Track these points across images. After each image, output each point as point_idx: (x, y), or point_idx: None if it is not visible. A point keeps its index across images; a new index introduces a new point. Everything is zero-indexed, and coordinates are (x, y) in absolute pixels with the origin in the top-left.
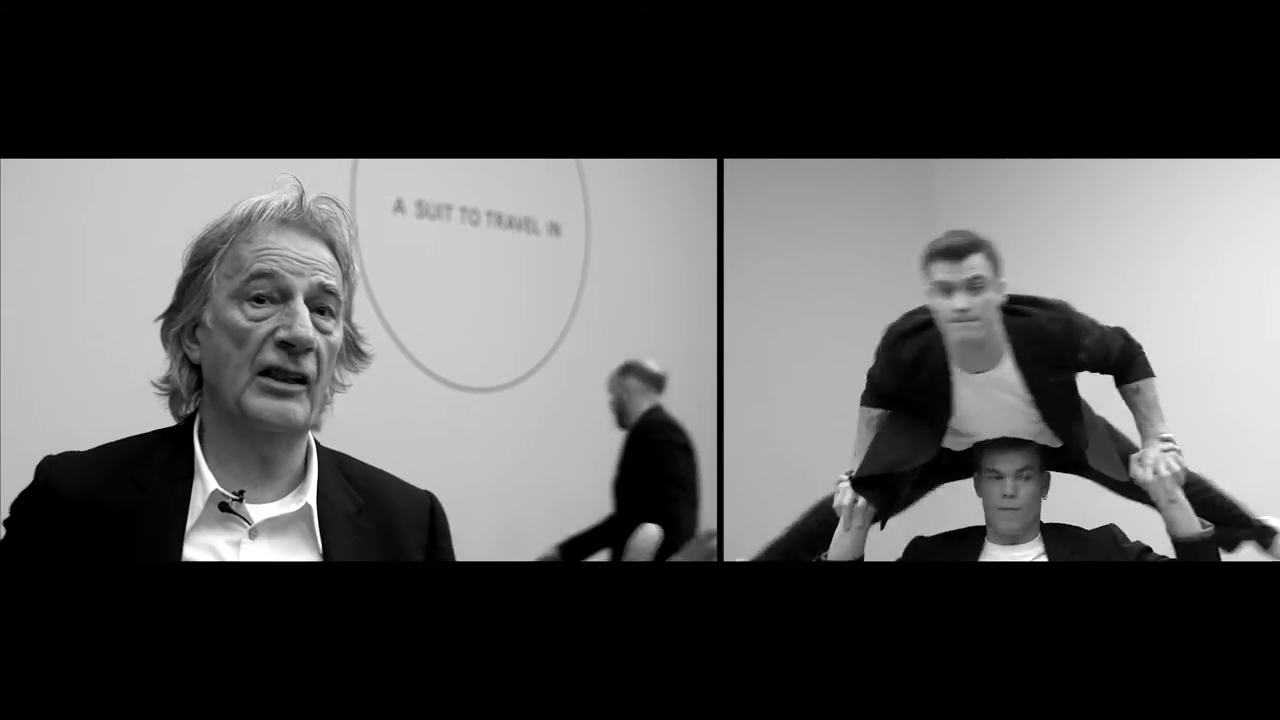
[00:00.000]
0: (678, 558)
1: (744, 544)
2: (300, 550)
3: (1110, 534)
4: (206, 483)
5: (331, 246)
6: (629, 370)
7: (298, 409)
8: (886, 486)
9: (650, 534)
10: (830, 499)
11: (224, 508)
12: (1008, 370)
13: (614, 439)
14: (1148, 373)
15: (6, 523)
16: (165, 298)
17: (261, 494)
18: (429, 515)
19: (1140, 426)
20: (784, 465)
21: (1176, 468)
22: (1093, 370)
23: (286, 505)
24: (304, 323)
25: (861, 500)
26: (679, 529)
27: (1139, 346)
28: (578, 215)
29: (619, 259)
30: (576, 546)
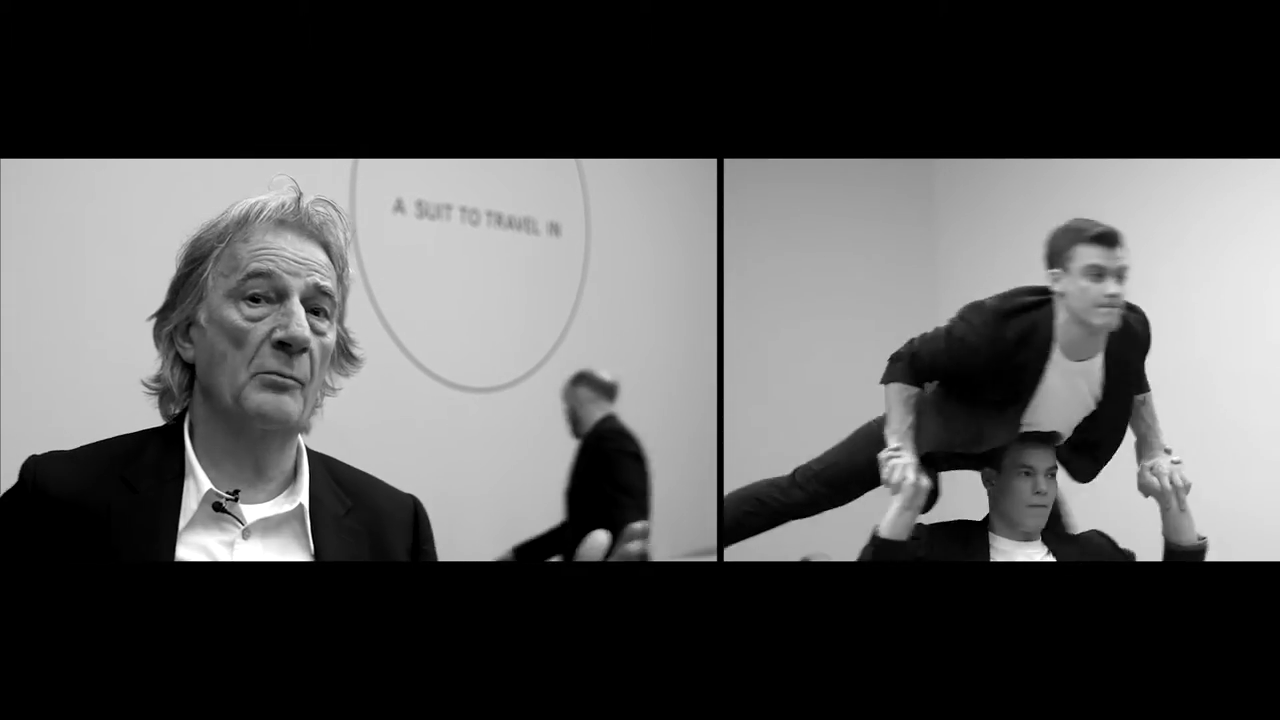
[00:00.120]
0: (613, 557)
1: (745, 545)
2: (292, 551)
3: (1102, 537)
4: (200, 482)
5: (327, 248)
6: (580, 380)
7: (293, 404)
8: (955, 467)
9: (599, 541)
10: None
11: (218, 507)
12: (1097, 363)
13: None
14: (1148, 385)
15: None
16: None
17: (253, 494)
18: (413, 518)
19: (1144, 437)
20: (784, 465)
21: (1188, 479)
22: None
23: (280, 505)
24: (300, 322)
25: (925, 480)
26: (636, 545)
27: None
28: (578, 215)
29: (619, 259)
30: (530, 551)
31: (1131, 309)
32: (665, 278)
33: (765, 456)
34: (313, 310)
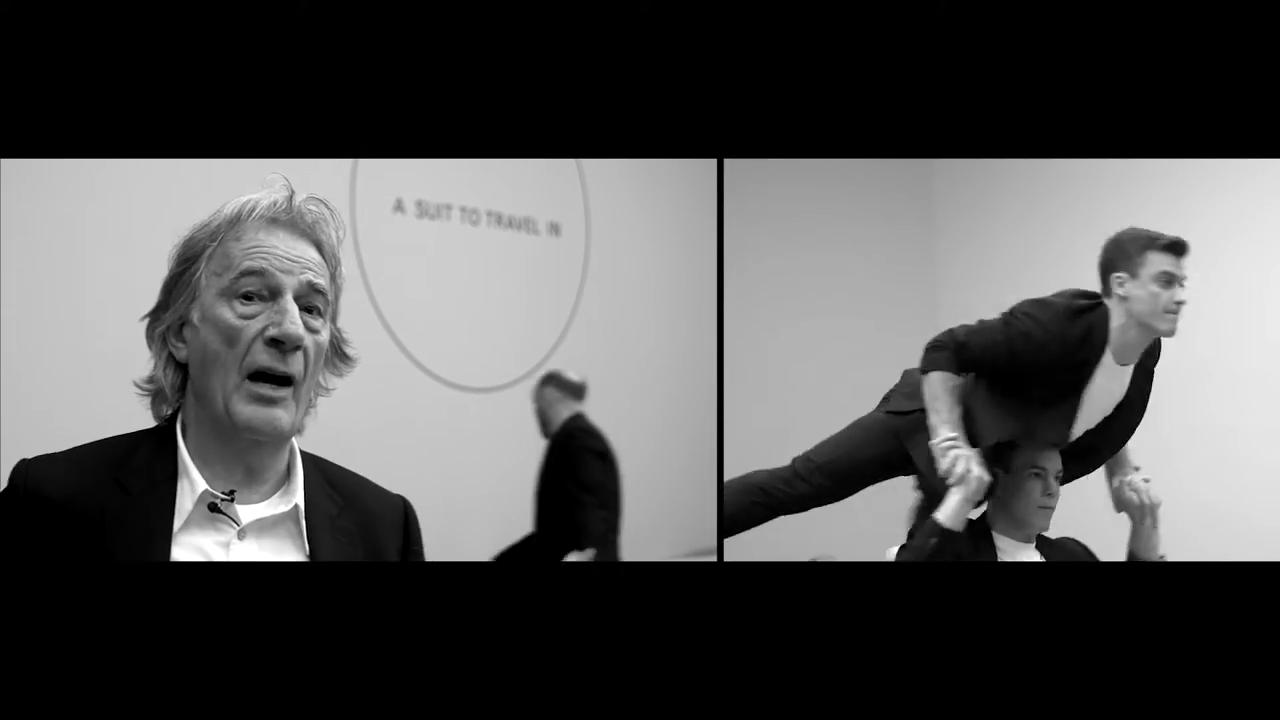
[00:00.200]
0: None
1: (745, 544)
2: (287, 551)
3: (1076, 543)
4: (195, 483)
5: (319, 247)
6: (547, 381)
7: (284, 416)
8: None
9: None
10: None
11: (213, 508)
12: (1129, 370)
13: (612, 439)
14: None
15: None
16: None
17: (248, 495)
18: (403, 519)
19: (1122, 453)
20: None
21: (1158, 497)
22: None
23: (275, 506)
24: (294, 320)
25: (986, 473)
26: (584, 533)
27: None
28: (578, 215)
29: (619, 259)
30: (511, 556)
31: None
32: (665, 278)
33: (765, 456)
34: (306, 308)
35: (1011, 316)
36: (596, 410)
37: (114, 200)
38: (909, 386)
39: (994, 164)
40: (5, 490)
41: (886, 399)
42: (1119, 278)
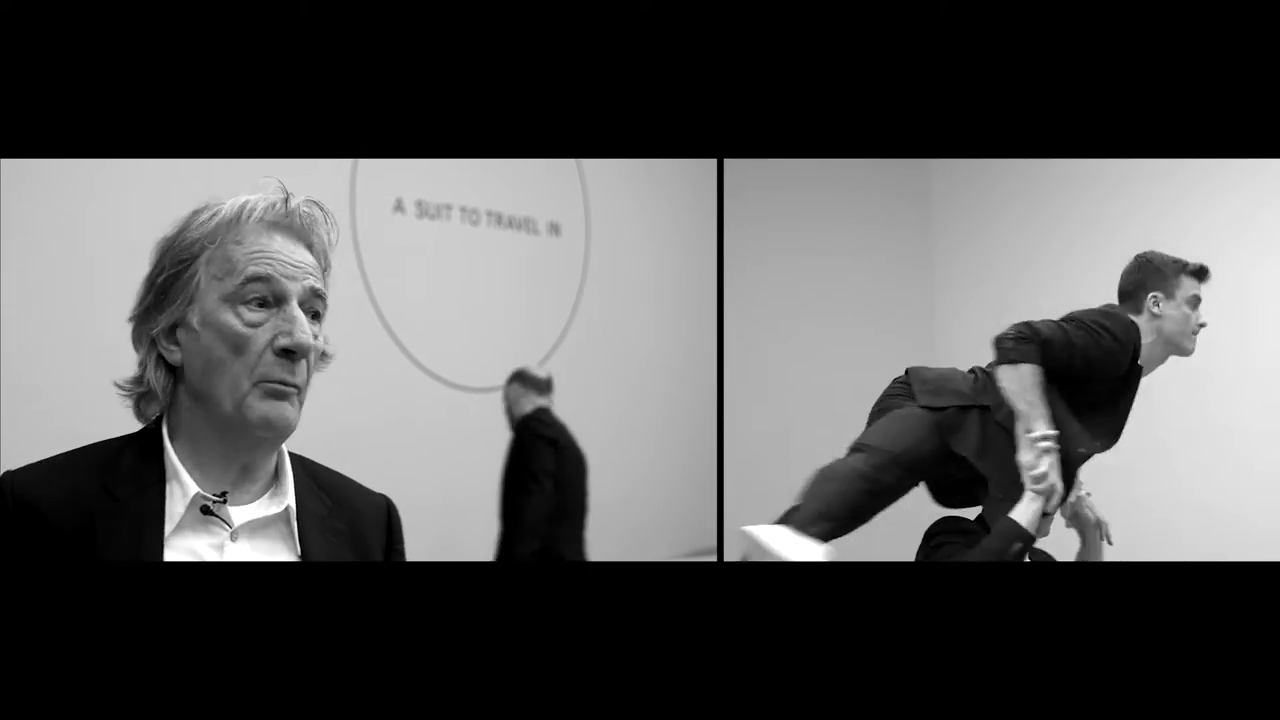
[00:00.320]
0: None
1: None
2: (279, 551)
3: (1040, 552)
4: (185, 486)
5: (311, 248)
6: (514, 378)
7: (292, 413)
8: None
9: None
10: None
11: (206, 510)
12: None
13: (612, 439)
14: None
15: None
16: None
17: (238, 496)
18: (386, 518)
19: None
20: (784, 465)
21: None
22: None
23: (268, 507)
24: (304, 330)
25: (1060, 483)
26: (519, 520)
27: None
28: (578, 215)
29: (619, 259)
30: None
31: None
32: (665, 278)
33: (765, 457)
34: (308, 314)
35: (1084, 323)
36: (596, 410)
37: (114, 200)
38: (931, 383)
39: (991, 166)
40: None
41: (911, 398)
42: (1155, 297)
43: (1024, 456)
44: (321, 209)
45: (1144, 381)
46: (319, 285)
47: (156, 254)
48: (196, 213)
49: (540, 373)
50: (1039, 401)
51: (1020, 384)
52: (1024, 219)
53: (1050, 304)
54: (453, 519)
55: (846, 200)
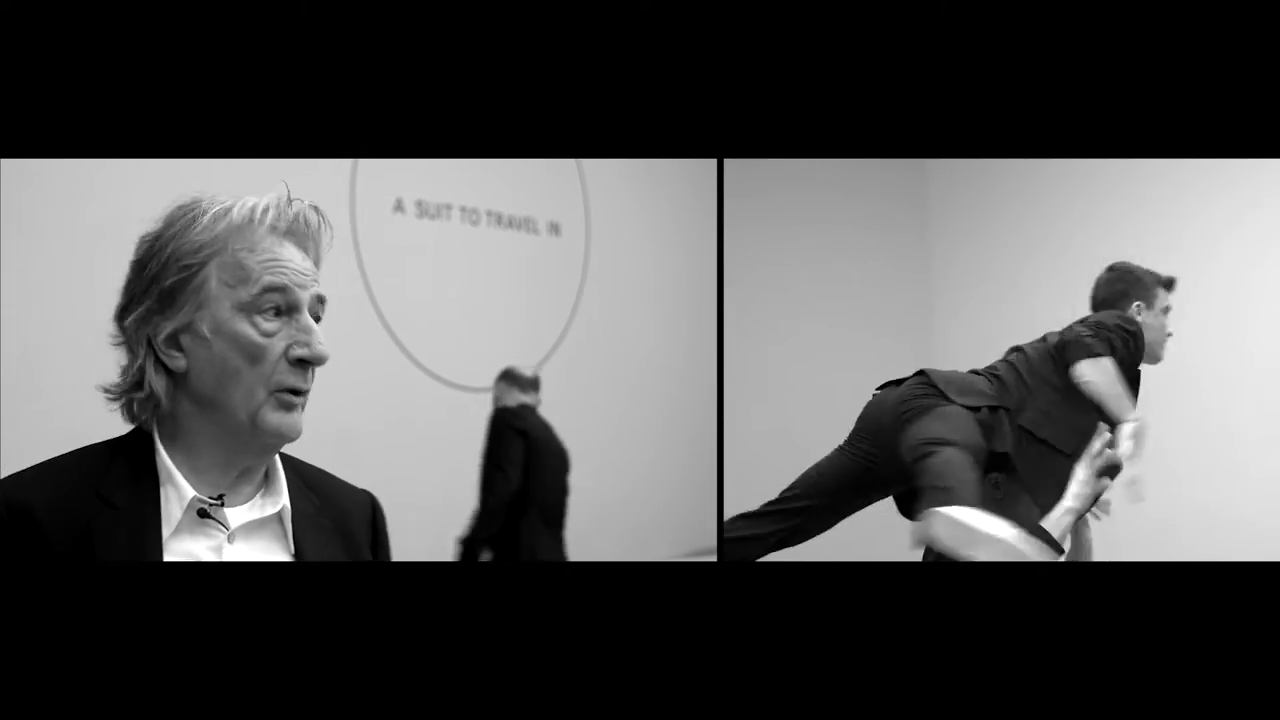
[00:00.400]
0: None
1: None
2: (275, 552)
3: None
4: (182, 490)
5: (309, 254)
6: (502, 375)
7: (301, 421)
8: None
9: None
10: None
11: (203, 514)
12: None
13: (612, 439)
14: None
15: None
16: None
17: (232, 499)
18: (371, 513)
19: None
20: (784, 465)
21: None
22: None
23: (263, 508)
24: (320, 339)
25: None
26: (484, 506)
27: None
28: (578, 215)
29: (619, 259)
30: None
31: None
32: (665, 278)
33: (765, 457)
34: (315, 319)
35: (1115, 327)
36: (596, 410)
37: (114, 200)
38: (956, 384)
39: (988, 168)
40: None
41: (941, 397)
42: (1139, 306)
43: (1122, 445)
44: (321, 214)
45: (1142, 382)
46: (322, 292)
47: (145, 251)
48: (187, 210)
49: (528, 372)
50: (1126, 391)
51: (1105, 375)
52: (1021, 220)
53: (1048, 304)
54: (453, 519)
55: (846, 202)
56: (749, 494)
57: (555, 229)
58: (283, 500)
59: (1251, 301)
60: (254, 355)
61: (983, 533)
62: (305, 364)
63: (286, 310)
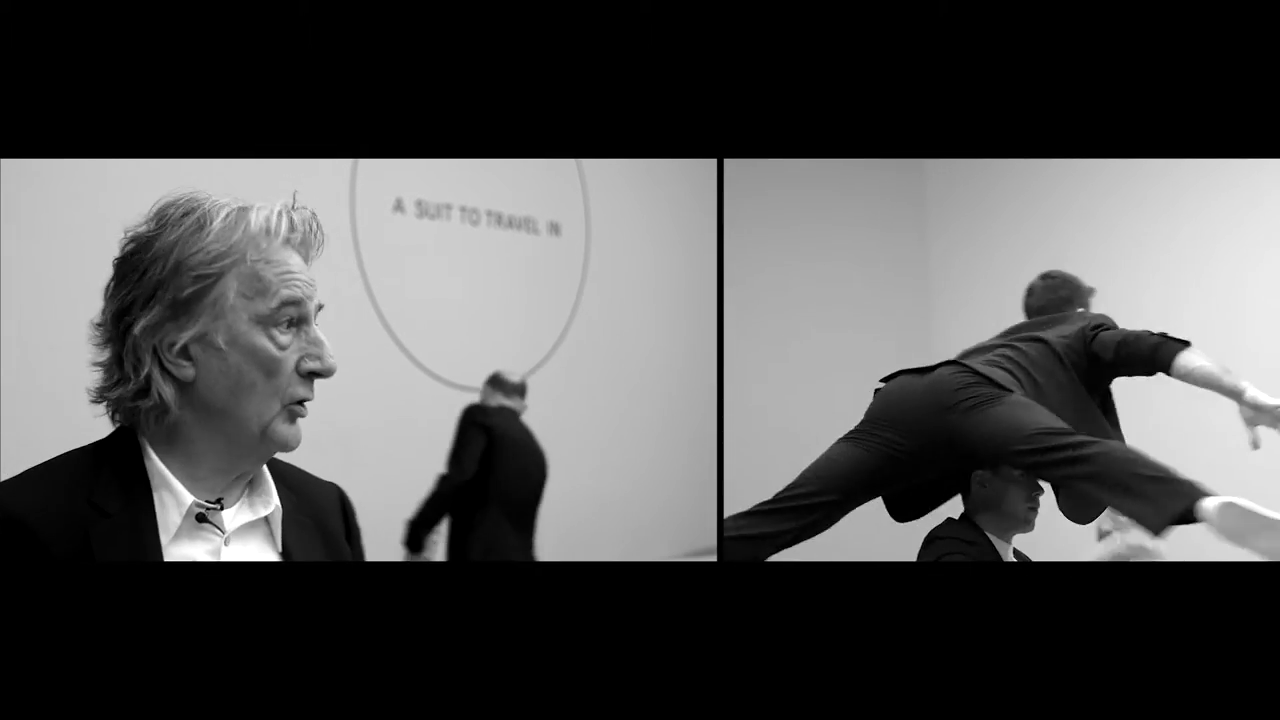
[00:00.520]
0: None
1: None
2: (265, 552)
3: (1016, 551)
4: (179, 495)
5: (306, 261)
6: (488, 380)
7: (302, 430)
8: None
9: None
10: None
11: (201, 518)
12: None
13: (612, 439)
14: None
15: None
16: None
17: (224, 502)
18: (340, 505)
19: None
20: (784, 465)
21: None
22: None
23: (256, 509)
24: (331, 352)
25: None
26: (435, 493)
27: None
28: (578, 215)
29: (619, 259)
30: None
31: None
32: (665, 278)
33: (765, 456)
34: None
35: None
36: (596, 410)
37: (114, 200)
38: (1001, 377)
39: (986, 168)
40: None
41: (993, 384)
42: (1081, 312)
43: (1269, 401)
44: (318, 223)
45: (1143, 381)
46: (321, 301)
47: (139, 251)
48: (186, 211)
49: (514, 378)
50: (1222, 370)
51: (1206, 358)
52: (1020, 220)
53: None
54: None
55: (845, 202)
56: (749, 494)
57: (555, 229)
58: (274, 502)
59: (1250, 301)
60: (270, 369)
61: (1272, 519)
62: (315, 376)
63: (298, 322)
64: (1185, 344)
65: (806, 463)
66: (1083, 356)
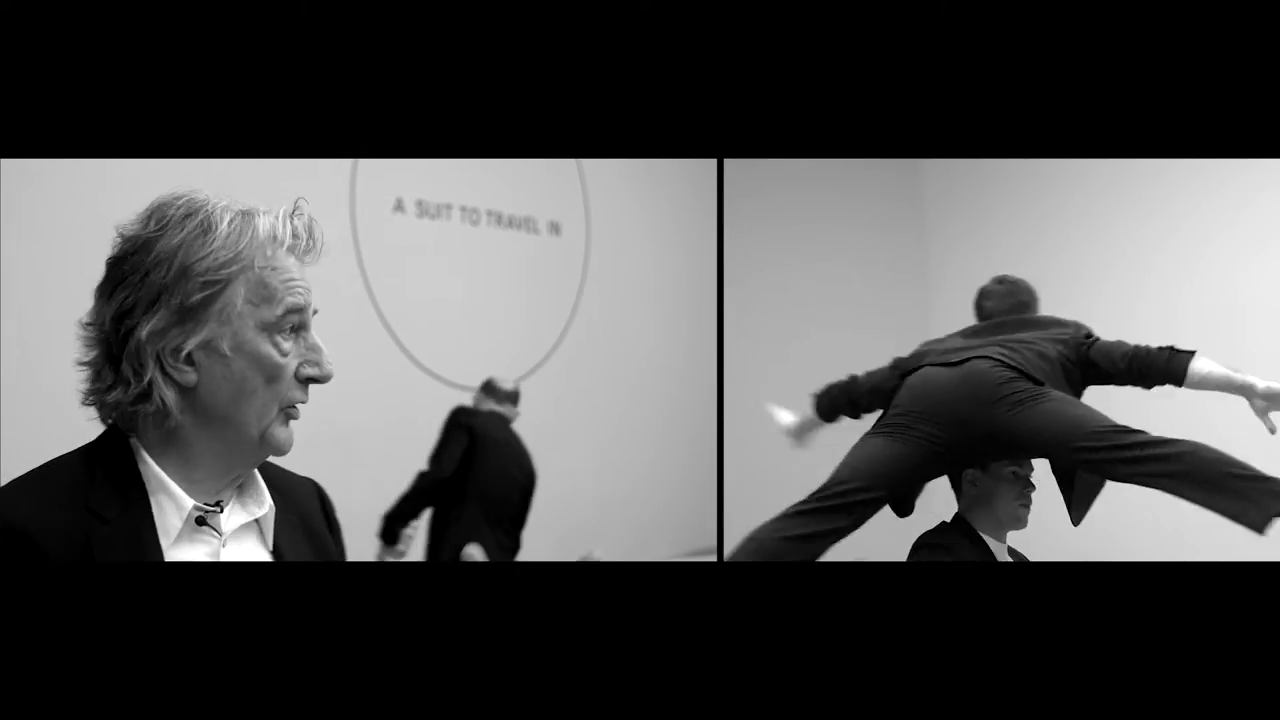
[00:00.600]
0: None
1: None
2: (259, 553)
3: (1012, 550)
4: (178, 499)
5: (302, 265)
6: (481, 386)
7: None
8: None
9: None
10: None
11: (201, 521)
12: None
13: (612, 439)
14: None
15: None
16: None
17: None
18: (319, 500)
19: None
20: (784, 465)
21: None
22: None
23: (251, 511)
24: (330, 359)
25: None
26: (412, 488)
27: None
28: (578, 215)
29: (619, 259)
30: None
31: None
32: (665, 278)
33: (765, 456)
34: None
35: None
36: (596, 410)
37: (114, 200)
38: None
39: (984, 168)
40: None
41: (1030, 379)
42: (1041, 316)
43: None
44: (319, 229)
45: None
46: (316, 306)
47: (136, 251)
48: (185, 213)
49: (507, 385)
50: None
51: (1214, 363)
52: (1017, 219)
53: (1044, 303)
54: None
55: (845, 202)
56: (749, 494)
57: (555, 229)
58: (267, 503)
59: (1245, 300)
60: (273, 375)
61: None
62: (312, 381)
63: (299, 328)
64: (1193, 353)
65: (807, 463)
66: (1075, 363)
